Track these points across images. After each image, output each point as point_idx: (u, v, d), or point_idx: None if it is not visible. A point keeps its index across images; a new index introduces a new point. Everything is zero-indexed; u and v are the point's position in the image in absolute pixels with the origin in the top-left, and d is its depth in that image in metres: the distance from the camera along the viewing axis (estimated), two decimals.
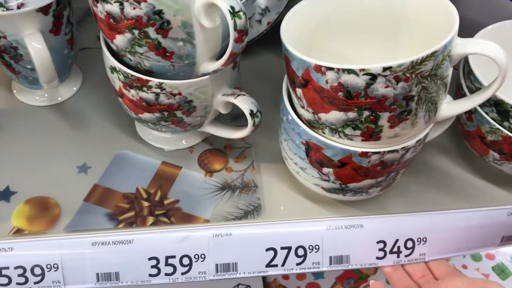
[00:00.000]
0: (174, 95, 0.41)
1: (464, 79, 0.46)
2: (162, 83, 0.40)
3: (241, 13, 0.34)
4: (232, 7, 0.34)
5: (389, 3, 0.41)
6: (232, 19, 0.34)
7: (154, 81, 0.40)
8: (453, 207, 0.47)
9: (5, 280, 0.42)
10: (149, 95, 0.41)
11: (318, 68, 0.34)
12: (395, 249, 0.46)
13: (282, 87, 0.42)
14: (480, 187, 0.49)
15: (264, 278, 0.76)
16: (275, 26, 0.54)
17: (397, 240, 0.46)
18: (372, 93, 0.34)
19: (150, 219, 0.44)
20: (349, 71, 0.33)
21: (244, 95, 0.42)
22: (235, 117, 0.52)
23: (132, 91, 0.41)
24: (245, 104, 0.42)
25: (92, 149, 0.49)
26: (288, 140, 0.42)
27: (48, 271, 0.42)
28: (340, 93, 0.35)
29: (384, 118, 0.35)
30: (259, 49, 0.59)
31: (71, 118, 0.51)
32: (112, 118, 0.52)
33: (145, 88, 0.40)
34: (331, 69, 0.34)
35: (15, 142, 0.49)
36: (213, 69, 0.40)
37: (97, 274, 0.43)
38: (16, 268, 0.42)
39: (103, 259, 0.42)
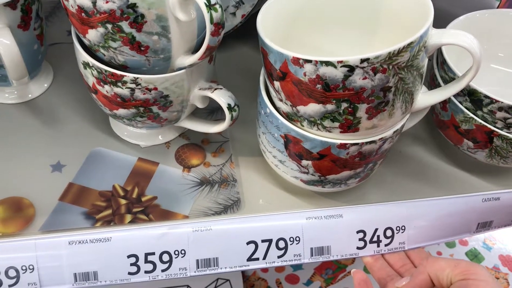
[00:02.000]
0: (150, 90, 0.40)
1: (438, 69, 0.47)
2: (137, 78, 0.39)
3: (217, 6, 0.34)
4: (208, 0, 0.33)
5: None
6: (208, 12, 0.34)
7: (129, 76, 0.39)
8: (429, 196, 0.48)
9: None
10: (124, 91, 0.40)
11: (296, 61, 0.34)
12: (375, 239, 0.46)
13: (258, 80, 0.42)
14: (455, 175, 0.50)
15: (243, 271, 0.76)
16: (250, 19, 0.54)
17: (376, 229, 0.46)
18: (350, 85, 0.34)
19: (128, 217, 0.43)
20: (327, 63, 0.33)
21: (221, 88, 0.42)
22: (211, 111, 0.52)
23: (106, 87, 0.40)
24: (222, 98, 0.42)
25: (66, 147, 0.48)
26: (267, 133, 0.42)
27: (23, 273, 0.41)
28: (318, 86, 0.35)
29: (362, 110, 0.36)
30: (233, 42, 0.59)
31: (43, 116, 0.50)
32: (85, 114, 0.50)
33: (119, 84, 0.40)
34: (309, 61, 0.34)
35: None
36: (189, 63, 0.39)
37: (75, 274, 0.42)
38: None
39: (81, 258, 0.42)
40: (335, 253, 0.46)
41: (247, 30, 0.55)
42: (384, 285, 0.45)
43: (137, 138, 0.48)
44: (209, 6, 0.34)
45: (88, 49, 0.40)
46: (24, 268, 0.41)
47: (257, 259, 0.45)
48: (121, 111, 0.42)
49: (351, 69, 0.33)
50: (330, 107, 0.36)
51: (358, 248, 0.46)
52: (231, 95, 0.42)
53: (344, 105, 0.35)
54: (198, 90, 0.42)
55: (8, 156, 0.46)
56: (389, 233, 0.47)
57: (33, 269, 0.41)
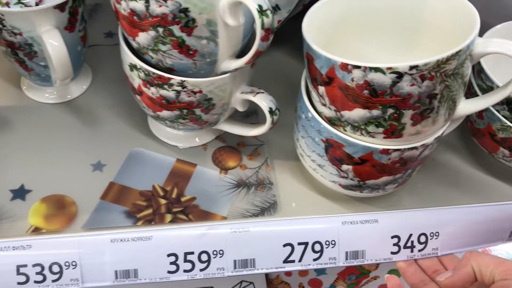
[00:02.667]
0: (195, 93, 0.41)
1: (474, 78, 0.47)
2: (184, 81, 0.40)
3: (268, 12, 0.35)
4: (260, 6, 0.34)
5: (408, 3, 0.42)
6: (259, 17, 0.34)
7: (176, 79, 0.40)
8: (463, 203, 0.48)
9: (23, 278, 0.42)
10: (169, 93, 0.41)
11: (344, 67, 0.35)
12: (409, 244, 0.46)
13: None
14: (489, 183, 0.50)
15: (267, 274, 0.76)
16: (284, 25, 0.54)
17: (410, 235, 0.46)
18: (398, 91, 0.35)
19: (168, 217, 0.44)
20: (376, 70, 0.34)
21: (262, 92, 0.43)
22: (246, 115, 0.52)
23: (153, 89, 0.41)
24: (264, 101, 0.42)
25: (106, 147, 0.49)
26: (306, 138, 0.43)
27: (66, 269, 0.42)
28: (365, 91, 0.35)
29: (407, 116, 0.36)
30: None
31: (82, 116, 0.51)
32: (124, 115, 0.51)
33: (166, 86, 0.40)
34: (358, 67, 0.34)
35: (27, 140, 0.48)
36: (235, 67, 0.40)
37: (116, 272, 0.43)
38: (34, 265, 0.41)
39: (122, 256, 0.42)
40: (370, 257, 0.46)
41: (281, 36, 0.56)
42: None
43: (175, 139, 0.49)
44: (261, 11, 0.34)
45: (134, 52, 0.41)
46: (67, 264, 0.42)
47: (293, 261, 0.45)
48: (164, 113, 0.43)
49: (400, 75, 0.34)
50: (375, 112, 0.36)
51: (392, 253, 0.47)
52: (272, 99, 0.43)
53: (390, 111, 0.36)
54: (240, 94, 0.43)
55: (50, 154, 0.47)
56: (423, 239, 0.47)
57: (76, 265, 0.42)
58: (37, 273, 0.42)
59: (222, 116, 0.46)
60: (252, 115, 0.53)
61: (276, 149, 0.50)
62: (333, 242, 0.45)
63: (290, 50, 0.58)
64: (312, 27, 0.39)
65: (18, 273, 0.41)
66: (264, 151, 0.50)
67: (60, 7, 0.43)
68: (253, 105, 0.45)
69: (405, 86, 0.34)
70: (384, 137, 0.38)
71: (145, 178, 0.47)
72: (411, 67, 0.33)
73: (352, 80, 0.35)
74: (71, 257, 0.42)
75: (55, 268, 0.42)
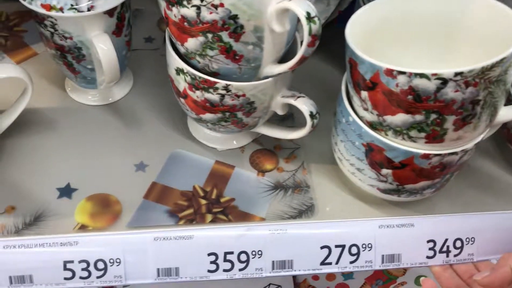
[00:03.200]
0: (238, 96, 0.42)
1: None
2: (229, 85, 0.41)
3: (316, 19, 0.36)
4: (308, 13, 0.35)
5: (447, 10, 0.42)
6: (307, 24, 0.35)
7: (221, 83, 0.41)
8: (498, 209, 0.48)
9: (69, 274, 0.43)
10: (214, 96, 0.42)
11: (389, 72, 0.36)
12: (445, 249, 0.47)
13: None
14: None
15: (294, 278, 0.77)
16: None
17: (446, 240, 0.47)
18: (442, 97, 0.35)
19: (209, 217, 0.45)
20: (421, 76, 0.35)
21: (303, 97, 0.44)
22: (283, 118, 0.53)
23: (198, 92, 0.43)
24: (305, 105, 0.43)
25: (148, 148, 0.50)
26: (346, 142, 0.44)
27: (110, 266, 0.43)
28: (409, 96, 0.36)
29: (450, 121, 0.37)
30: None
31: (124, 118, 0.53)
32: (164, 117, 0.53)
33: (211, 90, 0.42)
34: (403, 73, 0.35)
35: (72, 140, 0.50)
36: (279, 71, 0.41)
37: (158, 269, 0.44)
38: (80, 262, 0.43)
39: (164, 254, 0.44)
40: (405, 261, 0.47)
41: None
42: None
43: (214, 142, 0.51)
44: (309, 18, 0.35)
45: (180, 56, 0.43)
46: (111, 261, 0.43)
47: (330, 263, 0.46)
48: (207, 116, 0.45)
49: (444, 81, 0.35)
50: (418, 117, 0.37)
51: (427, 257, 0.47)
52: (313, 103, 0.44)
53: (433, 116, 0.37)
54: (281, 98, 0.44)
55: (94, 155, 0.49)
56: (458, 244, 0.47)
57: (120, 262, 0.43)
58: (82, 269, 0.43)
59: (261, 119, 0.47)
60: (288, 118, 0.54)
61: (312, 152, 0.51)
62: (369, 245, 0.46)
63: (325, 55, 0.59)
64: (354, 33, 0.40)
65: (65, 268, 0.43)
66: (301, 155, 0.51)
67: (109, 13, 0.44)
68: (290, 109, 0.46)
69: (449, 92, 0.35)
70: (426, 142, 0.39)
71: (185, 178, 0.48)
72: (456, 74, 0.34)
73: (397, 85, 0.36)
74: (115, 254, 0.43)
75: (100, 265, 0.43)
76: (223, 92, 0.42)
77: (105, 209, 0.45)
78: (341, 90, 0.44)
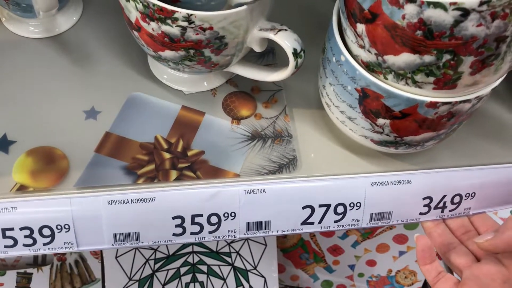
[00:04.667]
0: (204, 29, 0.34)
1: None
2: (191, 14, 0.33)
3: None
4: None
5: None
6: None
7: (181, 12, 0.33)
8: (505, 160, 0.42)
9: (10, 242, 0.37)
10: (173, 29, 0.34)
11: (394, 0, 0.28)
12: (441, 205, 0.41)
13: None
14: None
15: None
16: None
17: (444, 196, 0.41)
18: (460, 33, 0.28)
19: (174, 174, 0.39)
20: (436, 5, 0.27)
21: (286, 30, 0.36)
22: (261, 54, 0.45)
23: (153, 24, 0.34)
24: (287, 41, 0.35)
25: (100, 90, 0.42)
26: (336, 85, 0.36)
27: (58, 232, 0.37)
28: (418, 32, 0.28)
29: (466, 63, 0.29)
30: None
31: (72, 53, 0.44)
32: (120, 53, 0.45)
33: (169, 21, 0.33)
34: (413, 1, 0.27)
35: (8, 80, 0.42)
36: None
37: (114, 235, 0.38)
38: (21, 229, 0.36)
39: (121, 219, 0.37)
40: (396, 218, 0.41)
41: None
42: (444, 253, 0.41)
43: (180, 83, 0.43)
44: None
45: None
46: (59, 227, 0.37)
47: (312, 223, 0.40)
48: (167, 53, 0.36)
49: (466, 13, 0.27)
50: (428, 58, 0.29)
51: (420, 213, 0.41)
52: (297, 38, 0.36)
53: (447, 56, 0.29)
54: (258, 31, 0.36)
55: (36, 98, 0.41)
56: (457, 199, 0.42)
57: (68, 228, 0.37)
58: (25, 236, 0.37)
59: (235, 58, 0.39)
60: (268, 54, 0.46)
61: (296, 95, 0.44)
62: (358, 204, 0.40)
63: None
64: None
65: (4, 236, 0.36)
66: (283, 98, 0.44)
67: None
68: (270, 43, 0.38)
69: (470, 26, 0.27)
70: (434, 88, 0.31)
71: (146, 128, 0.41)
72: (482, 3, 0.26)
73: (403, 17, 0.28)
74: (63, 220, 0.37)
75: (46, 232, 0.37)
76: (185, 24, 0.33)
77: (49, 166, 0.38)
78: (331, 21, 0.36)
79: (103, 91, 0.42)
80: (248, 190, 0.39)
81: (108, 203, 0.37)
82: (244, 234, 0.40)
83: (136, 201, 0.37)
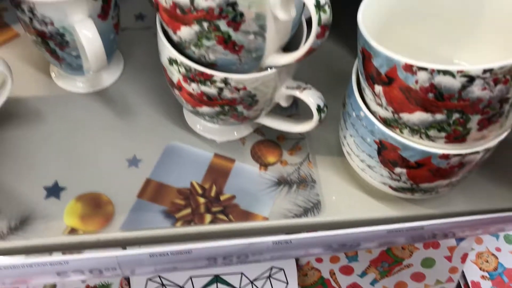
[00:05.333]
0: (239, 89, 0.38)
1: None
2: (228, 78, 0.37)
3: (326, 7, 0.31)
4: (317, 1, 0.31)
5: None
6: (317, 13, 0.31)
7: (219, 75, 0.37)
8: None
9: (64, 276, 0.41)
10: (211, 90, 0.38)
11: (408, 68, 0.32)
12: None
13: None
14: None
15: (297, 260, 0.75)
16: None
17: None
18: (467, 96, 0.32)
19: (208, 217, 0.42)
20: (445, 73, 0.31)
21: (310, 88, 0.40)
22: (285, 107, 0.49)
23: (193, 85, 0.39)
24: (311, 98, 0.40)
25: (141, 140, 0.46)
26: (356, 137, 0.40)
27: (106, 271, 0.41)
28: (430, 94, 0.32)
29: (474, 121, 0.33)
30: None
31: (115, 106, 0.49)
32: (158, 105, 0.49)
33: (208, 83, 0.38)
34: (424, 69, 0.31)
35: (58, 132, 0.46)
36: (284, 63, 0.37)
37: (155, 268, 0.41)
38: (73, 271, 0.40)
39: (161, 265, 0.41)
40: None
41: None
42: None
43: (212, 133, 0.47)
44: (319, 7, 0.31)
45: (174, 44, 0.39)
46: (107, 269, 0.40)
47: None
48: (204, 109, 0.41)
49: (471, 79, 0.31)
50: (439, 117, 0.33)
51: None
52: (320, 95, 0.40)
53: (456, 115, 0.33)
54: (285, 89, 0.40)
55: (83, 148, 0.45)
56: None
57: (115, 269, 0.41)
58: (76, 274, 0.41)
59: (263, 111, 0.43)
60: (292, 105, 0.50)
61: (318, 143, 0.48)
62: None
63: (335, 36, 0.54)
64: (367, 18, 0.36)
65: (58, 275, 0.40)
66: (306, 146, 0.48)
67: None
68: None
69: (476, 90, 0.31)
70: (446, 142, 0.35)
71: (182, 174, 0.45)
72: (485, 71, 0.30)
73: (416, 82, 0.32)
74: (110, 265, 0.40)
75: (95, 272, 0.41)
76: (222, 85, 0.38)
77: (97, 210, 0.42)
78: (351, 80, 0.40)
79: (144, 141, 0.46)
80: (276, 243, 0.42)
81: (150, 256, 0.40)
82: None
83: (174, 253, 0.40)
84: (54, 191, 0.43)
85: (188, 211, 0.43)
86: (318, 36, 0.33)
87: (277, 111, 0.49)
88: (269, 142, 0.48)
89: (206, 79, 0.38)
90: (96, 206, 0.42)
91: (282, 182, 0.45)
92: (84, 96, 0.49)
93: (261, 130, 0.48)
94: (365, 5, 0.36)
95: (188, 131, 0.48)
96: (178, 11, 0.34)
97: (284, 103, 0.42)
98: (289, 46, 0.39)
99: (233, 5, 0.33)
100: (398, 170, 0.39)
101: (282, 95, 0.41)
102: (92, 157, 0.45)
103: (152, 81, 0.51)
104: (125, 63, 0.52)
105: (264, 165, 0.46)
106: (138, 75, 0.51)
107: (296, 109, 0.50)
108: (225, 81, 0.37)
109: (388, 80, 0.34)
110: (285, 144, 0.48)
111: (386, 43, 0.34)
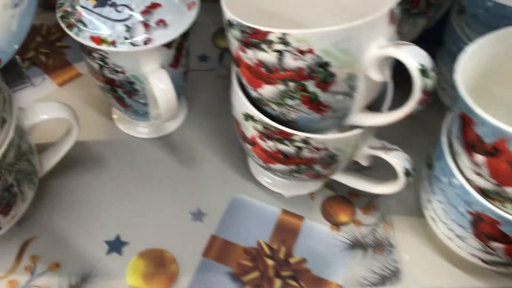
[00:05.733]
0: (319, 149, 0.35)
1: None
2: (309, 138, 0.34)
3: (433, 73, 0.28)
4: (423, 66, 0.28)
5: None
6: (422, 80, 0.28)
7: (300, 135, 0.34)
8: None
9: None
10: (289, 148, 0.36)
11: None
12: None
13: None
14: None
15: None
16: None
17: None
18: None
19: (278, 282, 0.39)
20: None
21: (396, 150, 0.37)
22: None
23: (270, 142, 0.36)
24: (399, 161, 0.36)
25: (205, 191, 0.44)
26: (446, 204, 0.36)
27: None
28: None
29: None
30: None
31: (178, 153, 0.47)
32: (222, 153, 0.47)
33: (286, 141, 0.35)
34: None
35: (120, 180, 0.45)
36: (371, 124, 0.34)
37: None
38: None
39: None
40: None
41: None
42: None
43: (280, 186, 0.44)
44: (424, 72, 0.28)
45: (247, 95, 0.36)
46: None
47: None
48: (278, 166, 0.38)
49: None
50: None
51: None
52: (408, 157, 0.37)
53: None
54: (368, 149, 0.37)
55: (146, 199, 0.43)
56: None
57: None
58: None
59: (340, 169, 0.40)
60: None
61: (394, 202, 0.44)
62: None
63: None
64: (465, 77, 0.33)
65: None
66: (380, 204, 0.44)
67: (167, 44, 0.38)
68: None
69: None
70: None
71: (248, 231, 0.42)
72: None
73: None
74: None
75: None
76: (301, 144, 0.35)
77: (160, 269, 0.39)
78: (440, 141, 0.36)
79: (208, 192, 0.44)
80: None
81: None
82: None
83: None
84: (116, 246, 0.41)
85: (256, 274, 0.40)
86: (419, 102, 0.30)
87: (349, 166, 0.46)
88: (340, 199, 0.45)
89: (284, 138, 0.35)
90: (159, 264, 0.40)
91: (356, 245, 0.42)
92: (146, 141, 0.48)
93: (331, 184, 0.45)
94: (462, 65, 0.33)
95: (253, 182, 0.45)
96: (263, 69, 0.32)
97: (364, 162, 0.39)
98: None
99: (325, 66, 0.30)
100: (494, 244, 0.35)
101: (364, 154, 0.38)
102: (155, 209, 0.43)
103: (215, 126, 0.49)
104: (188, 108, 0.50)
105: (336, 225, 0.43)
106: (201, 120, 0.49)
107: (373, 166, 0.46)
108: (306, 141, 0.35)
109: (494, 151, 0.30)
110: (358, 202, 0.44)
111: (479, 102, 0.31)
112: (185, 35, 0.40)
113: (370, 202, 0.44)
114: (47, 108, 0.37)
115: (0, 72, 0.44)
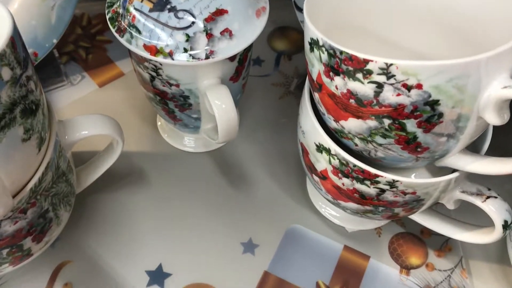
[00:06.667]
0: (406, 193, 0.30)
1: None
2: (397, 181, 0.29)
3: None
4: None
5: None
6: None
7: (386, 177, 0.29)
8: None
9: None
10: (370, 190, 0.30)
11: None
12: None
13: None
14: None
15: None
16: None
17: None
18: None
19: None
20: None
21: (495, 197, 0.31)
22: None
23: (345, 180, 0.31)
24: (497, 211, 0.31)
25: (258, 218, 0.39)
26: None
27: None
28: None
29: None
30: None
31: (228, 172, 0.42)
32: (277, 174, 0.42)
33: (367, 182, 0.30)
34: None
35: (163, 199, 0.40)
36: (472, 170, 0.28)
37: None
38: None
39: None
40: None
41: None
42: None
43: (343, 219, 0.39)
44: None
45: (318, 117, 0.31)
46: None
47: None
48: (350, 205, 0.33)
49: None
50: None
51: None
52: (508, 207, 0.31)
53: None
54: (460, 193, 0.32)
55: (191, 224, 0.39)
56: None
57: None
58: None
59: (419, 211, 0.35)
60: None
61: (474, 244, 0.39)
62: None
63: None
64: None
65: None
66: (458, 246, 0.39)
67: (231, 57, 0.33)
68: None
69: None
70: None
71: (306, 269, 0.37)
72: None
73: None
74: None
75: None
76: (386, 187, 0.30)
77: None
78: None
79: (261, 220, 0.39)
80: None
81: None
82: None
83: None
84: (158, 277, 0.36)
85: None
86: None
87: None
88: (411, 237, 0.39)
89: (366, 178, 0.30)
90: None
91: None
92: (193, 155, 0.43)
93: (400, 219, 0.40)
94: None
95: (311, 210, 0.40)
96: (352, 101, 0.26)
97: (451, 206, 0.33)
98: None
99: (433, 104, 0.24)
100: None
101: (454, 198, 0.32)
102: (202, 235, 0.38)
103: (270, 142, 0.44)
104: (240, 122, 0.45)
105: (406, 268, 0.38)
106: (254, 134, 0.44)
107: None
108: (392, 184, 0.29)
109: None
110: (431, 242, 0.39)
111: None
112: (249, 45, 0.34)
113: (445, 242, 0.39)
114: (89, 123, 0.33)
115: (35, 70, 0.39)
